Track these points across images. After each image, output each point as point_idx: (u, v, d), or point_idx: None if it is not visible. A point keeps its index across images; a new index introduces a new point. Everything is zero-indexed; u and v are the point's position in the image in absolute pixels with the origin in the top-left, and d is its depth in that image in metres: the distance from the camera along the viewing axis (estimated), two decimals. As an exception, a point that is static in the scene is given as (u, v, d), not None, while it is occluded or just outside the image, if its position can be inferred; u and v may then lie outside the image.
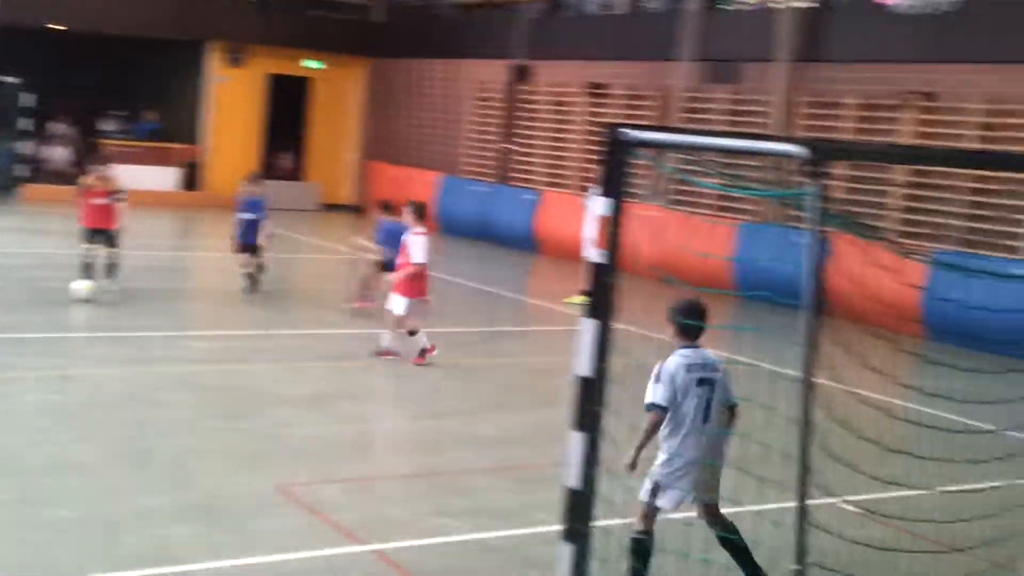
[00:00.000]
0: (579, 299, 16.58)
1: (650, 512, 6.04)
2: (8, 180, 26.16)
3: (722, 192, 17.17)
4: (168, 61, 29.28)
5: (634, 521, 5.99)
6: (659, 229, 17.17)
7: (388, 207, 14.24)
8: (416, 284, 12.10)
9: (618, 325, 5.33)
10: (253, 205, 15.74)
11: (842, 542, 5.38)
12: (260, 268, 15.67)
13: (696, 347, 6.09)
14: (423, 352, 12.03)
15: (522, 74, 24.56)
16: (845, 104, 18.08)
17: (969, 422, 6.28)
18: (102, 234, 14.67)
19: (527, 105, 24.48)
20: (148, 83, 30.15)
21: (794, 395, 4.24)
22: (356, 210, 28.93)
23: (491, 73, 25.31)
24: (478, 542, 7.22)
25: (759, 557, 5.24)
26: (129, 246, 15.93)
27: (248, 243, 15.56)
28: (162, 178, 27.21)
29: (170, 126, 28.61)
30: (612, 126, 5.35)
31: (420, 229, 12.19)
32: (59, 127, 28.03)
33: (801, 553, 4.21)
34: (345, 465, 8.64)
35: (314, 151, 29.32)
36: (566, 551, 5.34)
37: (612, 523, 5.58)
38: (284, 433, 9.38)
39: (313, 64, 28.75)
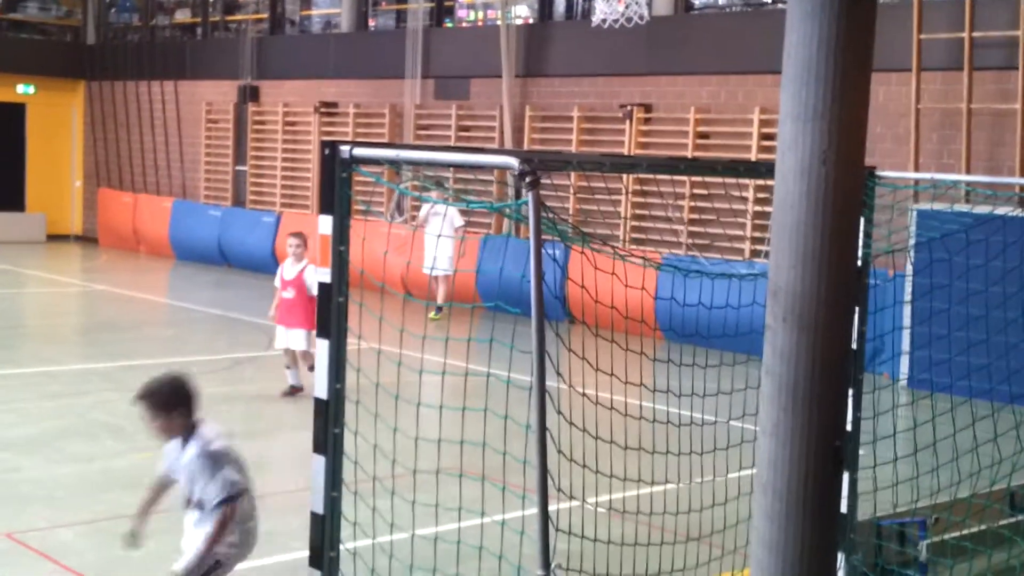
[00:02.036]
0: (435, 316, 16.71)
1: None
2: None
3: (461, 207, 17.39)
4: None
5: None
6: (397, 247, 17.25)
7: None
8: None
9: (352, 343, 5.31)
10: None
11: (588, 542, 5.53)
12: None
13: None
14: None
15: (251, 94, 24.16)
16: (570, 117, 18.66)
17: (694, 415, 6.59)
18: None
19: (259, 126, 24.12)
20: None
21: (529, 402, 4.33)
22: (85, 240, 27.75)
23: (219, 94, 24.80)
24: (226, 575, 7.03)
25: (506, 566, 5.31)
26: None
27: None
28: None
29: None
30: (330, 143, 5.34)
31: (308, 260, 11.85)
32: None
33: (546, 558, 4.29)
34: (81, 507, 8.24)
35: (35, 180, 27.88)
36: (315, 576, 5.28)
37: (360, 544, 5.55)
38: (11, 478, 8.87)
39: (24, 89, 27.37)
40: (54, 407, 11.18)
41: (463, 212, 17.89)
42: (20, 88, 27.27)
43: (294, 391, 11.96)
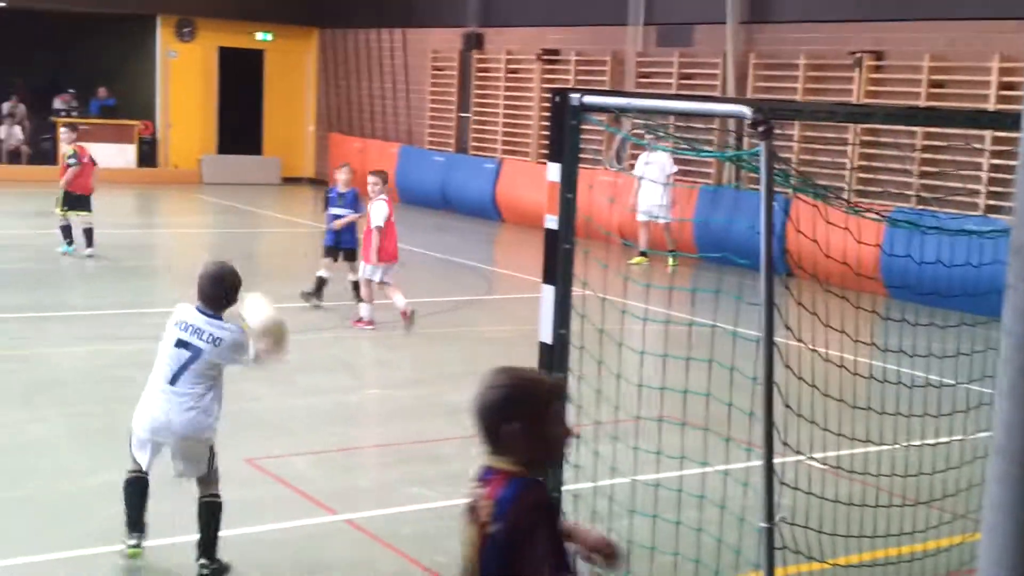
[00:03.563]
0: (638, 260, 17.12)
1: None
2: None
3: (677, 155, 17.27)
4: (119, 37, 29.01)
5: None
6: (617, 194, 17.28)
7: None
8: (383, 247, 12.42)
9: (577, 290, 5.40)
10: (344, 199, 13.61)
11: (810, 498, 5.49)
12: (355, 286, 13.39)
13: (208, 313, 6.02)
14: (403, 314, 12.32)
15: (476, 42, 24.51)
16: (796, 64, 18.19)
17: (929, 376, 6.41)
18: (84, 199, 16.10)
19: (482, 73, 24.45)
20: (100, 60, 29.84)
21: (755, 355, 4.31)
22: (317, 183, 28.82)
23: (445, 41, 25.23)
24: (450, 509, 7.27)
25: (728, 516, 5.33)
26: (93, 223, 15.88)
27: (335, 246, 13.54)
28: (118, 155, 27.00)
29: (124, 103, 28.36)
30: (560, 91, 5.38)
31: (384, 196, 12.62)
32: (11, 106, 27.72)
33: (770, 510, 4.29)
34: (314, 437, 8.68)
35: (271, 125, 29.16)
36: (537, 515, 5.41)
37: (582, 487, 5.66)
38: (252, 407, 9.40)
39: (263, 36, 28.56)
40: (292, 341, 11.73)
41: (676, 160, 17.86)
42: (259, 36, 28.47)
43: (364, 322, 12.51)
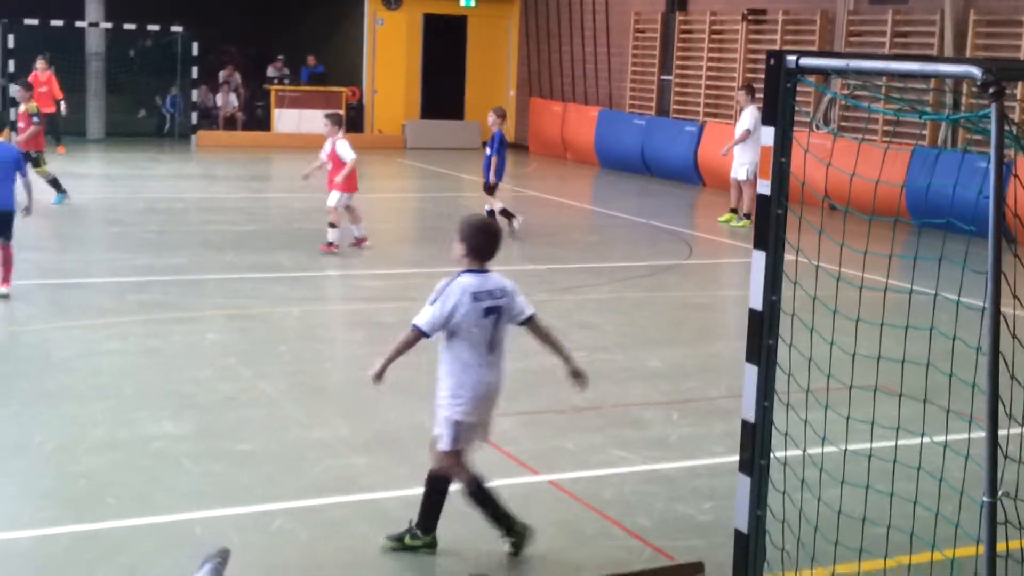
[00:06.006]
0: (726, 217, 17.81)
1: (461, 460, 6.00)
2: (183, 128, 27.17)
3: (893, 117, 16.65)
4: (328, 6, 29.84)
5: (451, 475, 5.99)
6: (827, 157, 16.82)
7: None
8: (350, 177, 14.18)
9: (789, 256, 5.27)
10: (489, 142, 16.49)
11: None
12: (505, 212, 16.05)
13: (485, 272, 5.91)
14: (331, 244, 14.05)
15: (679, 3, 24.18)
16: (1020, 21, 17.26)
17: None
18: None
19: (685, 35, 24.12)
20: (309, 28, 30.78)
21: (979, 325, 4.15)
22: (516, 147, 29.04)
23: (647, 3, 24.99)
24: (651, 473, 7.30)
25: (946, 490, 5.14)
26: (298, 188, 16.41)
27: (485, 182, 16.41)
28: (326, 121, 27.81)
29: (332, 70, 29.19)
30: (775, 53, 5.25)
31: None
32: (227, 75, 28.90)
33: (993, 484, 4.13)
34: (517, 399, 8.75)
35: (473, 90, 29.51)
36: (744, 483, 5.35)
37: (791, 454, 5.55)
38: (456, 368, 9.57)
39: (466, 2, 28.87)
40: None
41: (888, 121, 17.35)
42: (462, 2, 28.80)
43: (331, 247, 14.09)
